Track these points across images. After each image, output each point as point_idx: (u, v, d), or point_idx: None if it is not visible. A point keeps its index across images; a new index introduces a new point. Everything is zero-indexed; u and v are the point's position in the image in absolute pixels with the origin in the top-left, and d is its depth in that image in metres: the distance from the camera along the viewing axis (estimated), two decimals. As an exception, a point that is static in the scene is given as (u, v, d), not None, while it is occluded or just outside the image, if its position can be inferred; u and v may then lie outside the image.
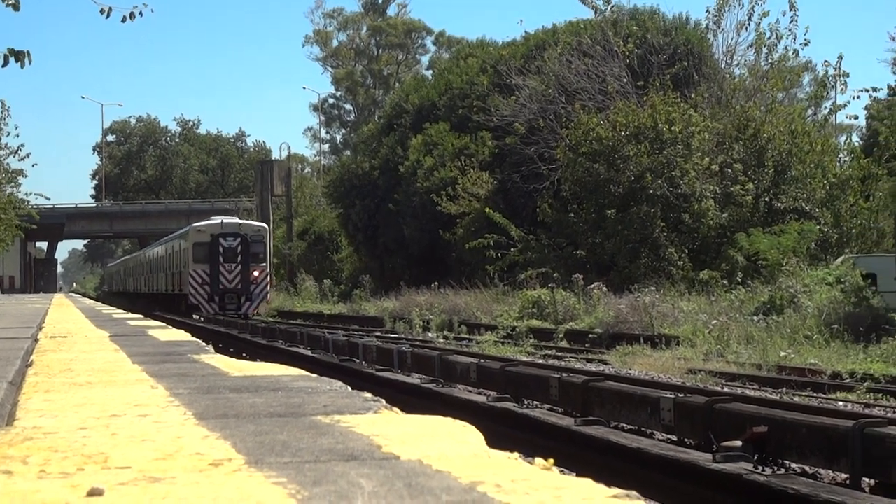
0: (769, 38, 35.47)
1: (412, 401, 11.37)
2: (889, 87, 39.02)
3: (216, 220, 43.15)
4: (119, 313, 17.51)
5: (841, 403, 12.24)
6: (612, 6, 39.32)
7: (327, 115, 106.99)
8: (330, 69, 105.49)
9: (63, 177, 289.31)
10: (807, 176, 32.53)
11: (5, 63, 9.78)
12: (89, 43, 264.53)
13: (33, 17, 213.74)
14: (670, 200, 31.26)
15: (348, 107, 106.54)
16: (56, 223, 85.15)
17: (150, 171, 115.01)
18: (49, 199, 64.11)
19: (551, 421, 9.31)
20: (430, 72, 75.52)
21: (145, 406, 3.51)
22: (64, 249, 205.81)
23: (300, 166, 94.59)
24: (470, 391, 12.26)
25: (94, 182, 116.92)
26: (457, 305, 31.86)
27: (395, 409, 3.34)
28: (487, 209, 36.95)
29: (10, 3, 10.18)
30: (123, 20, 11.09)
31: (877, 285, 21.99)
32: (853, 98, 44.61)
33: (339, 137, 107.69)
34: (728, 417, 7.93)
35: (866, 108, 36.19)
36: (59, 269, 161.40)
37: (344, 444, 2.59)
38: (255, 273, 40.68)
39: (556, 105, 36.53)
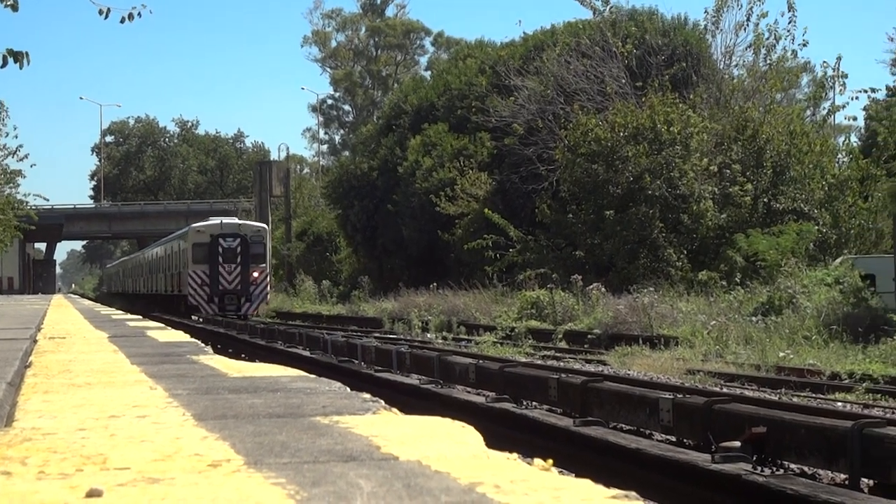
0: (768, 39, 35.51)
1: (411, 401, 11.37)
2: (888, 88, 39.00)
3: (216, 220, 43.08)
4: (118, 314, 17.50)
5: (840, 404, 12.25)
6: (611, 7, 39.38)
7: (326, 116, 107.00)
8: (328, 70, 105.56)
9: (61, 178, 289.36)
10: (805, 177, 32.54)
11: (4, 64, 9.77)
12: (88, 44, 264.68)
13: (32, 18, 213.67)
14: (669, 201, 31.27)
15: (347, 107, 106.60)
16: (55, 224, 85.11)
17: (149, 172, 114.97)
18: (48, 199, 64.09)
19: (550, 421, 9.31)
20: (429, 72, 75.56)
21: (144, 407, 3.51)
22: (62, 250, 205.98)
23: (299, 167, 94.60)
24: (469, 392, 12.26)
25: (93, 183, 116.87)
26: (455, 306, 31.86)
27: (394, 409, 3.34)
28: (486, 210, 36.96)
29: (8, 3, 10.18)
30: (122, 21, 11.10)
31: (875, 286, 21.99)
32: (852, 99, 44.79)
33: (337, 138, 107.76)
34: (727, 418, 7.93)
35: (865, 108, 36.16)
36: (58, 269, 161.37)
37: (343, 445, 2.59)
38: (255, 274, 40.62)
39: (554, 106, 36.53)
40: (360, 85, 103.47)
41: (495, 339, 23.69)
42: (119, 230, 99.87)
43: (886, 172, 28.18)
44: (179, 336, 8.82)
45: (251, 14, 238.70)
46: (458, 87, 45.77)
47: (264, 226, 45.01)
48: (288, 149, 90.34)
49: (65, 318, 14.46)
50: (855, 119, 36.34)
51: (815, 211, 31.61)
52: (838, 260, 26.71)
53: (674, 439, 8.95)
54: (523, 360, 17.39)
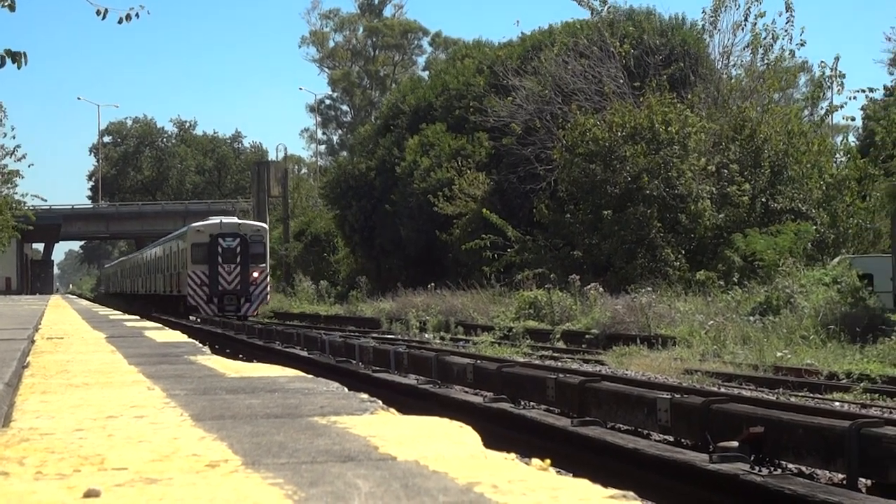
0: (765, 39, 35.52)
1: (409, 402, 11.38)
2: (885, 88, 39.07)
3: (215, 220, 42.97)
4: (116, 314, 17.50)
5: (837, 404, 12.25)
6: (609, 7, 39.40)
7: (324, 117, 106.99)
8: (326, 70, 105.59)
9: (59, 178, 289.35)
10: (803, 176, 32.56)
11: (2, 64, 9.77)
12: (86, 44, 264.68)
13: (30, 18, 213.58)
14: (667, 201, 31.28)
15: (345, 108, 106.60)
16: (52, 224, 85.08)
17: (147, 173, 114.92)
18: (45, 200, 64.24)
19: (548, 422, 9.32)
20: (427, 73, 75.53)
21: (142, 407, 3.51)
22: (60, 251, 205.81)
23: (297, 167, 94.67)
24: (467, 392, 12.26)
25: (91, 183, 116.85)
26: (453, 306, 31.86)
27: (392, 409, 3.34)
28: (484, 210, 36.94)
29: (6, 3, 10.18)
30: (120, 21, 11.12)
31: (873, 285, 21.99)
32: (850, 99, 44.64)
33: (335, 138, 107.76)
34: (725, 418, 7.93)
35: (863, 108, 36.18)
36: (56, 270, 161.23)
37: (341, 445, 2.59)
38: (255, 274, 40.51)
39: (552, 106, 36.54)
40: (358, 85, 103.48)
41: (493, 340, 23.69)
42: (117, 230, 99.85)
43: (884, 172, 28.18)
44: (177, 336, 8.82)
45: (249, 14, 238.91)
46: (456, 87, 45.78)
47: (264, 225, 44.95)
48: (286, 149, 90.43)
49: (62, 318, 14.45)
50: (853, 119, 36.34)
51: (813, 211, 31.63)
52: (836, 259, 26.72)
53: (671, 439, 8.95)
54: (521, 360, 17.39)
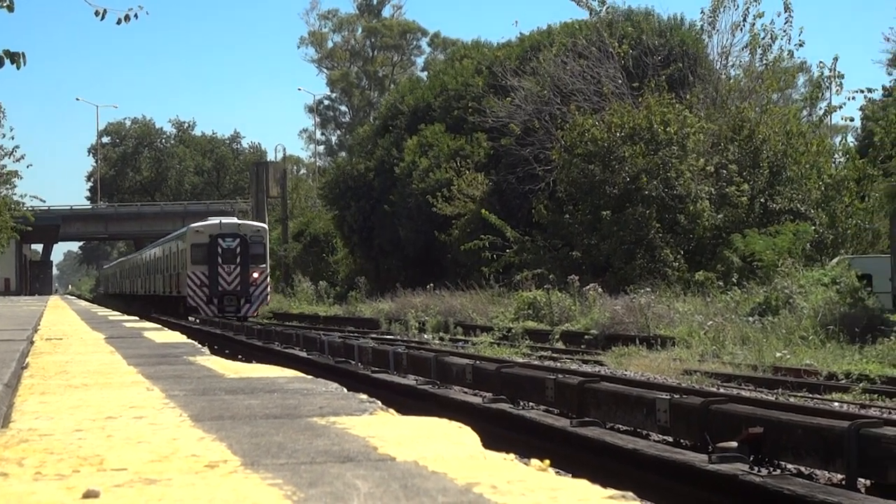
0: (764, 39, 35.56)
1: (408, 402, 11.36)
2: (884, 88, 39.00)
3: (215, 220, 42.87)
4: (115, 315, 17.49)
5: (836, 404, 12.25)
6: (607, 7, 39.42)
7: (322, 117, 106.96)
8: (325, 71, 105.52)
9: (58, 179, 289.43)
10: (802, 177, 32.57)
11: (0, 64, 9.77)
12: (84, 45, 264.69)
13: (28, 19, 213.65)
14: (665, 201, 31.29)
15: (343, 108, 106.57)
16: (51, 225, 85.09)
17: (146, 173, 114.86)
18: (44, 201, 64.24)
19: (547, 422, 9.31)
20: (426, 73, 75.51)
21: (141, 408, 3.51)
22: (59, 251, 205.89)
23: (295, 168, 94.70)
24: (466, 392, 12.26)
25: (90, 184, 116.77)
26: (452, 307, 31.85)
27: (391, 410, 3.34)
28: (483, 210, 36.94)
29: (4, 4, 10.18)
30: (119, 22, 11.11)
31: (872, 286, 22.00)
32: (848, 99, 44.78)
33: (334, 139, 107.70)
34: (724, 418, 7.93)
35: (861, 108, 36.19)
36: (55, 271, 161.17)
37: (340, 446, 2.59)
38: (255, 274, 40.42)
39: (551, 106, 36.54)
40: (357, 86, 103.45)
41: (492, 340, 23.69)
42: (116, 231, 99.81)
43: (883, 172, 28.19)
44: (176, 337, 8.82)
45: (247, 15, 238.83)
46: (455, 87, 45.78)
47: (264, 226, 44.87)
48: (284, 150, 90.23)
49: (61, 319, 14.45)
50: (851, 119, 36.36)
51: (812, 211, 31.64)
52: (835, 260, 26.73)
53: (671, 440, 8.95)
54: (520, 360, 17.39)
